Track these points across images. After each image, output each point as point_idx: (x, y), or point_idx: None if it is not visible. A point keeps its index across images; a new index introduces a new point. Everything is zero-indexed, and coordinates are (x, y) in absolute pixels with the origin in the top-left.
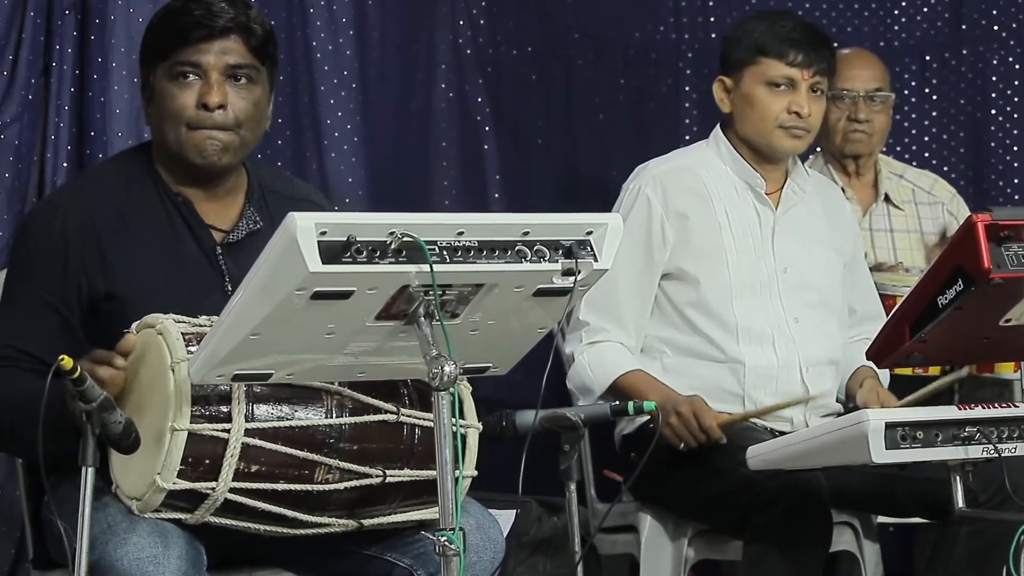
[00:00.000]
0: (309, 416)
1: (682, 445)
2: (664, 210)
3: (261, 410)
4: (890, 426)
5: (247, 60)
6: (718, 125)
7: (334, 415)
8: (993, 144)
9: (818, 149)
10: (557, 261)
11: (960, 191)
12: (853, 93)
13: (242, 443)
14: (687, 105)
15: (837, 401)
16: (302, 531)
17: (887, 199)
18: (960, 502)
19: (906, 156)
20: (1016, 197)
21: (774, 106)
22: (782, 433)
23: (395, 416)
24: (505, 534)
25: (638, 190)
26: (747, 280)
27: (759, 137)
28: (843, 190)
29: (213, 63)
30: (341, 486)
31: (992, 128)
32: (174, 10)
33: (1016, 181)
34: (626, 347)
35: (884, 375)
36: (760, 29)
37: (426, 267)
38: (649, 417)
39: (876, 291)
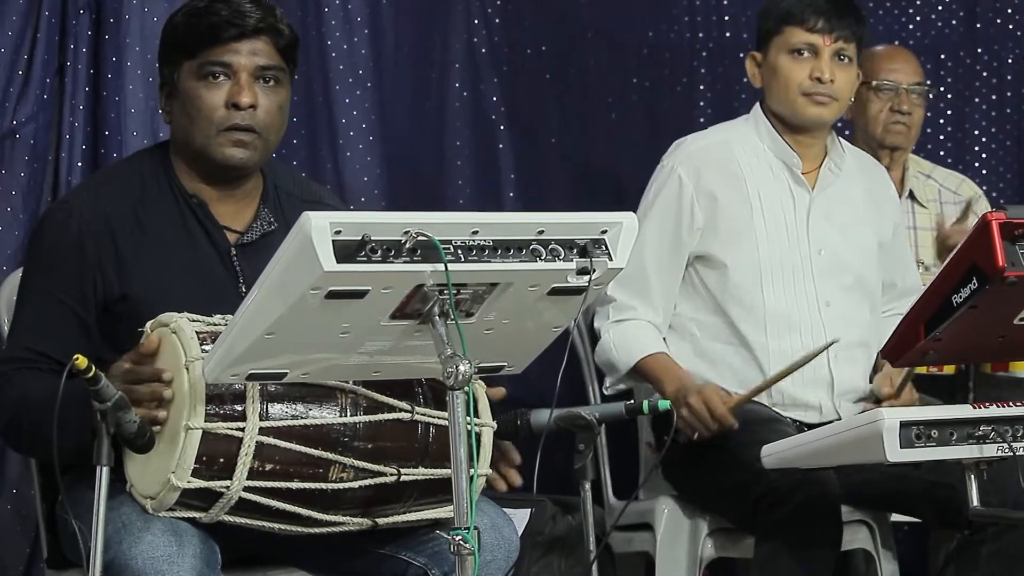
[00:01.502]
0: (323, 415)
1: (696, 435)
2: (695, 191)
3: (275, 408)
4: (905, 425)
5: (275, 61)
6: (758, 102)
7: (348, 414)
8: (1008, 143)
9: (844, 129)
10: (572, 260)
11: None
12: (896, 84)
13: (256, 441)
14: (701, 104)
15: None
16: (316, 530)
17: (912, 196)
18: (975, 501)
19: (921, 155)
20: None
21: (797, 74)
22: (808, 425)
23: (409, 415)
24: (520, 533)
25: (671, 168)
26: (778, 263)
27: (784, 107)
28: None
29: (244, 64)
30: (355, 485)
31: (1008, 127)
32: (200, 9)
33: None
34: (653, 325)
35: None
36: (788, 0)
37: (441, 266)
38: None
39: (916, 267)
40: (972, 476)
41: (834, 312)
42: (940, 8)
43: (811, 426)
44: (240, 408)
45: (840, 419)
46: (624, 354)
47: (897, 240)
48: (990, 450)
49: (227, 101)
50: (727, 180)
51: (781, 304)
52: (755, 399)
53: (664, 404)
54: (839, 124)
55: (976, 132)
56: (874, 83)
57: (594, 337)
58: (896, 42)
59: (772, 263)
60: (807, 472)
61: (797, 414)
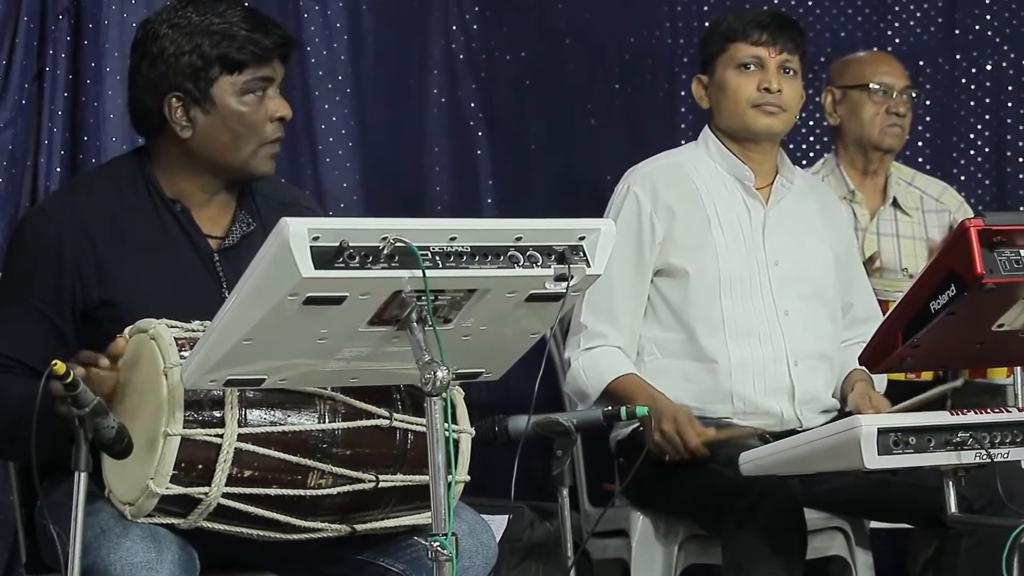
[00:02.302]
0: (302, 421)
1: (667, 458)
2: (653, 207)
3: (254, 415)
4: (883, 432)
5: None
6: (707, 124)
7: (327, 420)
8: (988, 150)
9: (823, 135)
10: (550, 266)
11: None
12: (891, 86)
13: (235, 448)
14: (682, 110)
15: (833, 397)
16: (295, 536)
17: (895, 203)
18: (953, 507)
19: (899, 161)
20: (1009, 202)
21: (745, 87)
22: (771, 434)
23: (388, 421)
24: (497, 539)
25: (627, 189)
26: (736, 274)
27: (735, 120)
28: (853, 193)
29: (278, 78)
30: (334, 491)
31: (987, 134)
32: (236, 27)
33: (1009, 186)
34: (622, 351)
35: (881, 379)
36: (729, 20)
37: (419, 272)
38: (640, 423)
39: (872, 290)
40: (950, 483)
41: (793, 320)
42: (919, 15)
43: (775, 435)
44: (218, 414)
45: (801, 427)
46: (595, 378)
47: (851, 259)
48: (968, 457)
49: (272, 115)
50: (683, 195)
51: (740, 313)
52: (717, 416)
53: (642, 410)
54: (822, 134)
55: (955, 139)
56: (871, 85)
57: None
58: (875, 48)
59: (731, 273)
60: (770, 479)
61: (758, 422)
